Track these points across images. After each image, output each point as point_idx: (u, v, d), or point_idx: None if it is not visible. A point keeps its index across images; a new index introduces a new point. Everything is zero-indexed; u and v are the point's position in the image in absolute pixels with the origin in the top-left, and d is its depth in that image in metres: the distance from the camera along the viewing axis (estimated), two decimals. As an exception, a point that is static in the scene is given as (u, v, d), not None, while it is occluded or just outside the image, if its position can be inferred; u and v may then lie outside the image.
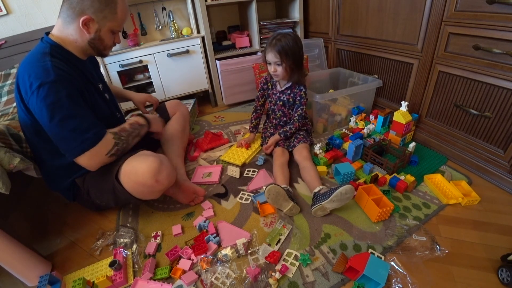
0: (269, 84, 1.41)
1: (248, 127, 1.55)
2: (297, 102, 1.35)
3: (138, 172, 0.88)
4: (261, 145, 1.49)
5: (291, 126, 1.36)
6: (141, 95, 1.41)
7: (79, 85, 0.87)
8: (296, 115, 1.36)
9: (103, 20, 0.88)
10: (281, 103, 1.38)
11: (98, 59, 1.66)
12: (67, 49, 0.90)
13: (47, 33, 0.91)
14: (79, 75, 0.90)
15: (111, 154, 0.89)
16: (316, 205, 1.00)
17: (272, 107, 1.43)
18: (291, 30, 2.11)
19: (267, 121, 1.55)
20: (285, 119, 1.43)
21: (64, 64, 0.85)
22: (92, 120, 0.86)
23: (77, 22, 0.85)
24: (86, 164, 0.87)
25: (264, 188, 1.03)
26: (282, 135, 1.35)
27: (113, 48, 1.83)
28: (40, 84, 0.77)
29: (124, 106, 1.87)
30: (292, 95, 1.35)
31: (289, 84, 1.34)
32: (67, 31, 0.88)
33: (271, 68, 1.27)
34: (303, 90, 1.33)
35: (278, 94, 1.38)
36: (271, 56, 1.23)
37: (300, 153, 1.27)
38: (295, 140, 1.36)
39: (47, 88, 0.78)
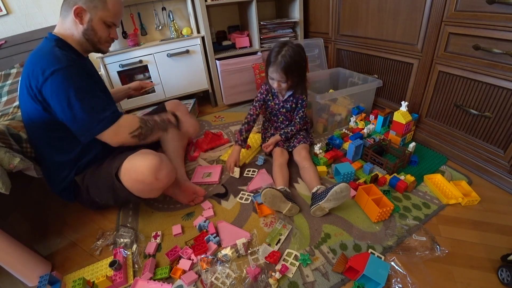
0: (270, 95, 1.37)
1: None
2: (299, 105, 1.35)
3: (138, 169, 0.89)
4: (261, 145, 1.48)
5: (292, 128, 1.36)
6: (131, 84, 1.40)
7: (87, 71, 0.93)
8: (297, 117, 1.36)
9: (94, 10, 0.90)
10: (284, 110, 1.37)
11: (99, 60, 1.68)
12: (70, 44, 0.94)
13: (50, 33, 0.94)
14: (83, 68, 0.94)
15: (133, 135, 0.91)
16: (314, 206, 1.00)
17: (275, 112, 1.41)
18: (290, 30, 2.11)
19: (267, 123, 1.53)
20: (287, 122, 1.42)
21: (70, 54, 0.90)
22: (108, 101, 0.92)
23: (71, 14, 0.89)
24: (109, 140, 0.89)
25: (260, 192, 1.03)
26: (283, 136, 1.35)
27: (113, 48, 1.86)
28: (54, 70, 0.80)
29: (125, 107, 1.87)
30: (294, 100, 1.35)
31: (291, 92, 1.33)
32: (65, 25, 0.92)
33: (274, 84, 1.23)
34: (304, 93, 1.33)
35: (281, 104, 1.36)
36: (277, 75, 1.19)
37: (300, 153, 1.27)
38: (295, 140, 1.36)
39: (62, 73, 0.81)
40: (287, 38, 2.11)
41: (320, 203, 0.98)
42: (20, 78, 0.91)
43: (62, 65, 0.81)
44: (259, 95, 1.38)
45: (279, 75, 1.18)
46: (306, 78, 1.31)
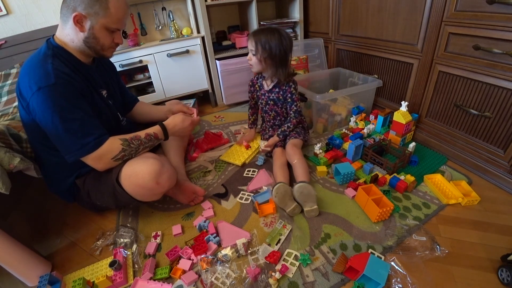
0: (256, 86, 1.41)
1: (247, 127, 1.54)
2: (289, 100, 1.33)
3: (139, 174, 0.89)
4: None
5: (289, 124, 1.34)
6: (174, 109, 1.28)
7: (81, 88, 0.87)
8: (291, 112, 1.34)
9: (95, 17, 0.84)
10: (272, 102, 1.36)
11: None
12: (70, 52, 0.89)
13: (53, 35, 0.91)
14: (81, 79, 0.89)
15: (116, 159, 0.90)
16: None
17: (264, 108, 1.42)
18: (291, 30, 2.11)
19: (264, 123, 1.53)
20: (279, 118, 1.41)
21: (65, 67, 0.85)
22: (93, 124, 0.86)
23: (71, 20, 0.84)
24: (91, 165, 0.89)
25: (272, 186, 1.04)
26: (281, 136, 1.34)
27: (113, 48, 1.86)
28: (39, 87, 0.78)
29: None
30: (281, 93, 1.33)
31: (275, 82, 1.32)
32: (65, 31, 0.87)
33: (248, 55, 1.27)
34: (293, 86, 1.30)
35: (267, 94, 1.36)
36: (249, 43, 1.23)
37: (287, 151, 1.26)
38: (288, 138, 1.35)
39: (47, 91, 0.78)
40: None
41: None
42: (17, 80, 0.89)
43: (49, 83, 0.78)
44: (248, 87, 1.45)
45: (250, 42, 1.23)
46: (288, 68, 1.27)
